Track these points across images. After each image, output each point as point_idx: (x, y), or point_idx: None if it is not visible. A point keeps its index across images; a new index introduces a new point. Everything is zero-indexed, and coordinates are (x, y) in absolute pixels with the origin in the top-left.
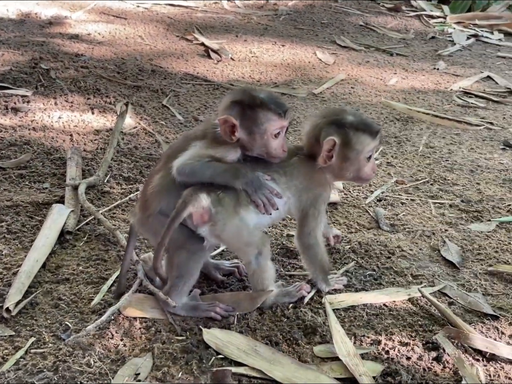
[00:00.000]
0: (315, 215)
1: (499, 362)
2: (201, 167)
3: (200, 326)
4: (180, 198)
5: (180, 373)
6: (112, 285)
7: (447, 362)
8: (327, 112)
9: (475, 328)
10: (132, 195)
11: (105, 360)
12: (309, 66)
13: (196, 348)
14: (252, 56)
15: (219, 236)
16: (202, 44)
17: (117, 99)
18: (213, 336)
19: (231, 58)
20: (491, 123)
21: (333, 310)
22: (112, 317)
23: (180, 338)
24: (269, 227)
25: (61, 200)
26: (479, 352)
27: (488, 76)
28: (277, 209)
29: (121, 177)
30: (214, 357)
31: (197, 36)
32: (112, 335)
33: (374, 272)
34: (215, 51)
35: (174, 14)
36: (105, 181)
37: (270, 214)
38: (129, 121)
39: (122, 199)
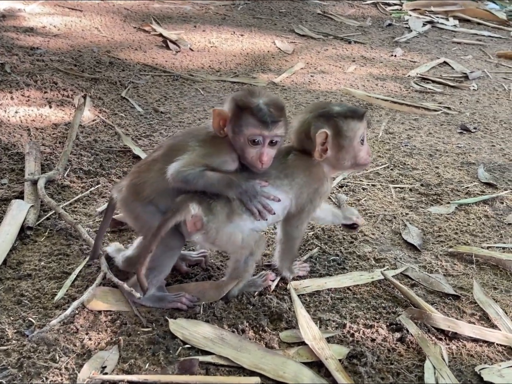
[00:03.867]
0: (310, 211)
1: (461, 340)
2: (195, 177)
3: (166, 317)
4: (173, 201)
5: (147, 365)
6: (75, 279)
7: (411, 342)
8: (313, 106)
9: (437, 308)
10: (92, 188)
11: (70, 354)
12: (268, 55)
13: (162, 339)
14: (211, 46)
15: (213, 243)
16: (160, 35)
17: (74, 92)
18: (179, 326)
19: (190, 48)
20: (448, 108)
21: (298, 295)
22: (77, 311)
23: (146, 329)
24: None
25: (20, 196)
26: (441, 331)
27: (445, 62)
28: (274, 213)
29: (81, 171)
30: (181, 347)
31: (155, 27)
32: (77, 329)
33: (338, 257)
34: (173, 42)
35: (130, 5)
36: (65, 175)
37: (266, 219)
38: (88, 114)
39: (82, 193)
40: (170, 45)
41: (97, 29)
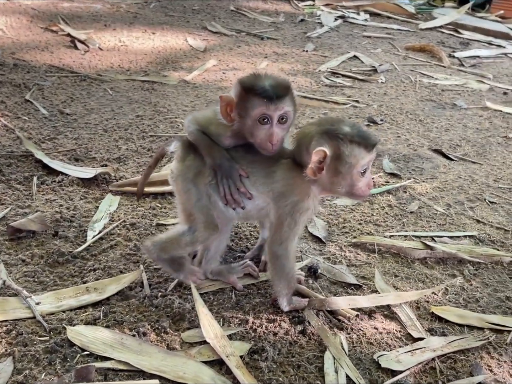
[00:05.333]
0: (291, 225)
1: (362, 329)
2: (190, 131)
3: (64, 325)
4: None
5: (43, 374)
6: None
7: (312, 334)
8: (323, 120)
9: None
10: None
11: None
12: (180, 53)
13: (60, 347)
14: (122, 45)
15: (174, 187)
16: (68, 34)
17: None
18: (77, 333)
19: (99, 47)
20: (357, 101)
21: (203, 294)
22: None
23: (43, 338)
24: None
25: None
26: (342, 322)
27: (355, 56)
28: (243, 208)
29: None
30: (79, 355)
31: (63, 26)
32: None
33: (244, 253)
34: (82, 42)
35: (38, 5)
36: None
37: (234, 208)
38: None
39: None
40: (79, 45)
41: (2, 30)
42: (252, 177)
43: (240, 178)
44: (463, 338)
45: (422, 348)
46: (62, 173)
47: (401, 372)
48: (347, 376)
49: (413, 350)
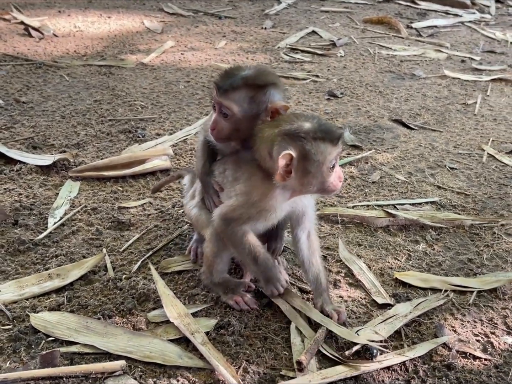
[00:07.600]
0: (251, 218)
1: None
2: (198, 142)
3: (28, 312)
4: None
5: (8, 363)
6: None
7: (278, 306)
8: (281, 120)
9: None
10: None
11: None
12: (137, 36)
13: (24, 334)
14: (77, 31)
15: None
16: (22, 22)
17: None
18: (41, 320)
19: (54, 34)
20: (317, 76)
21: (167, 274)
22: None
23: (7, 327)
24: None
25: None
26: (307, 293)
27: (313, 31)
28: None
29: None
30: (44, 341)
31: (16, 14)
32: None
33: None
34: (36, 29)
35: None
36: None
37: None
38: None
39: None
40: (33, 32)
41: None
42: (226, 189)
43: (216, 192)
44: (426, 300)
45: (393, 316)
46: (20, 162)
47: None
48: None
49: (386, 319)
